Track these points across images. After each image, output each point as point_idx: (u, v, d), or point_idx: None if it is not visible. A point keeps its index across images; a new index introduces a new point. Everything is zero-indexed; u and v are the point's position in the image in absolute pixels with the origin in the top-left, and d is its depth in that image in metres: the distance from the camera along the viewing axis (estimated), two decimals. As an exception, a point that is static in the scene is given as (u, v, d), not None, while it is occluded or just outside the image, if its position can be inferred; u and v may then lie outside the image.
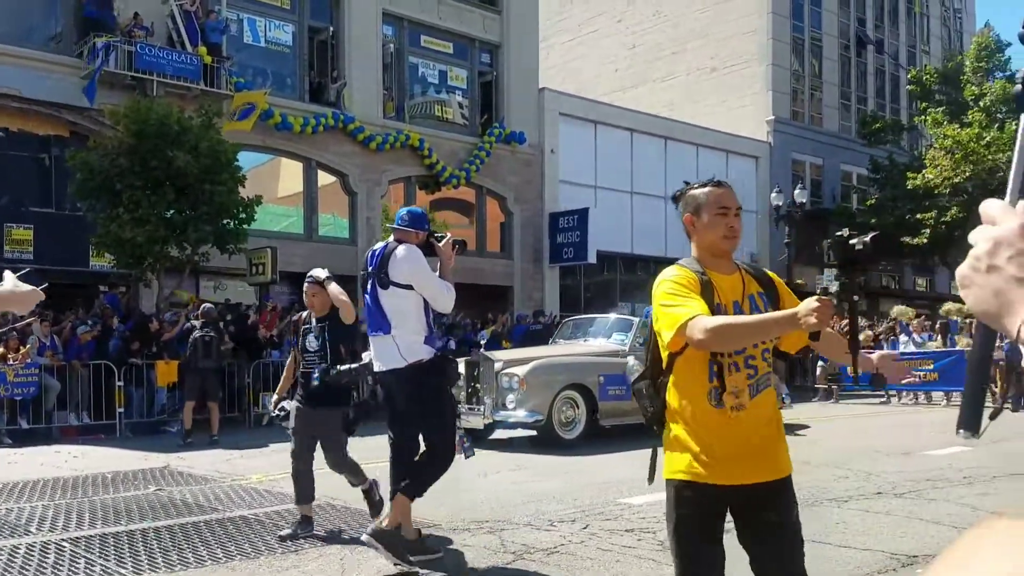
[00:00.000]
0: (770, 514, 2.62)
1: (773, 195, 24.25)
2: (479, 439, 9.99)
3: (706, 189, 2.66)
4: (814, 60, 31.96)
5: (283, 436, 11.13)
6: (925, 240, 27.28)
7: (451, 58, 22.24)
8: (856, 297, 2.47)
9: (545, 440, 9.78)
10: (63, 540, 5.35)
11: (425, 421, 4.77)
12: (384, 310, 4.72)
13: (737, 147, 28.19)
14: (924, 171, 27.13)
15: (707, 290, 2.54)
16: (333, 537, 5.34)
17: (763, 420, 2.60)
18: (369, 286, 4.81)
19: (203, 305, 12.54)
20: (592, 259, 22.50)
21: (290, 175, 19.86)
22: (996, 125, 26.74)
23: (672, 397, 2.62)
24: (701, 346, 2.40)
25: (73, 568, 4.72)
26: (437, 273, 4.84)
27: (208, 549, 5.08)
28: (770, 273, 2.83)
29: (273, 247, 16.58)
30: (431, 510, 6.10)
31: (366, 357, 5.19)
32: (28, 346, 11.86)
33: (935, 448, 9.42)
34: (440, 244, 4.91)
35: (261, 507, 6.40)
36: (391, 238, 4.90)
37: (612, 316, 12.92)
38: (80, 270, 15.40)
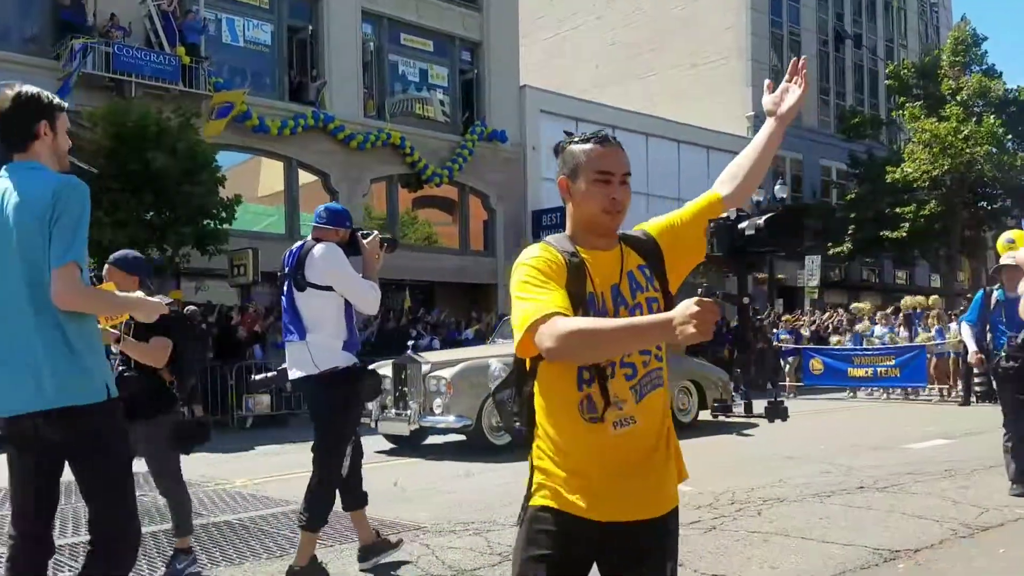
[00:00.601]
0: (646, 567, 2.06)
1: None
2: (406, 446, 9.75)
3: (586, 146, 2.08)
4: (793, 55, 31.77)
5: (268, 439, 11.11)
6: (904, 234, 27.53)
7: (432, 56, 22.21)
8: (746, 299, 2.02)
9: (475, 446, 9.25)
10: (60, 546, 5.30)
11: (320, 434, 4.40)
12: (300, 313, 4.40)
13: (718, 143, 28.29)
14: (903, 165, 27.39)
15: (578, 275, 2.01)
16: (318, 541, 5.33)
17: (650, 433, 2.06)
18: (285, 288, 4.50)
19: (186, 307, 12.46)
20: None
21: (271, 174, 19.78)
22: (973, 119, 27.02)
23: (538, 410, 2.10)
24: (551, 356, 1.91)
25: (56, 577, 4.68)
26: (361, 273, 4.50)
27: (196, 554, 5.05)
28: (653, 228, 2.23)
29: (255, 248, 16.51)
30: (413, 512, 6.10)
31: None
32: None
33: (915, 442, 9.52)
34: (365, 241, 4.56)
35: (246, 512, 6.38)
36: (309, 237, 4.57)
37: None
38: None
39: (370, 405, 8.81)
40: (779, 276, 26.00)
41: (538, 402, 2.10)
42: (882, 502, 6.20)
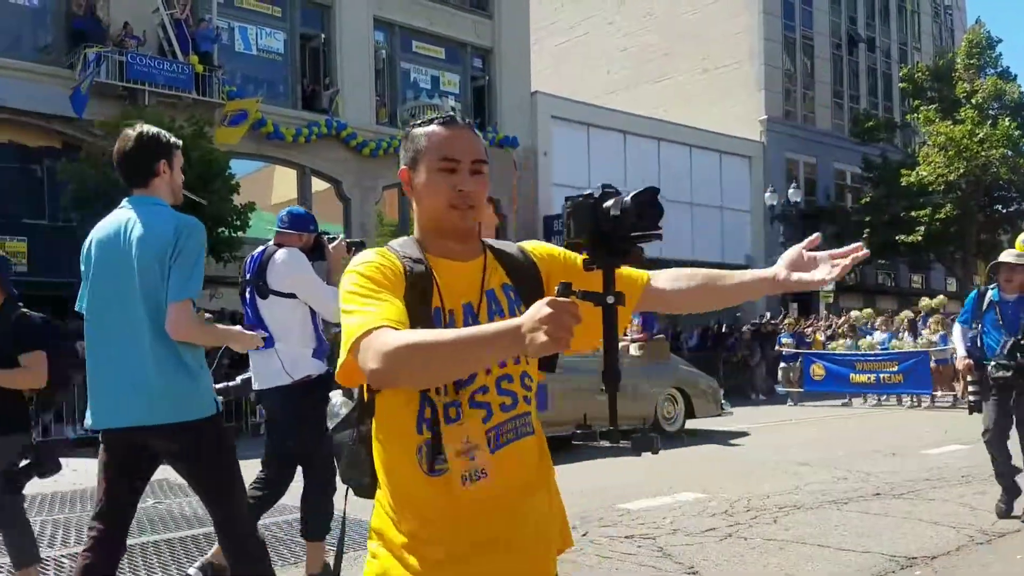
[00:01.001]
0: None
1: (767, 195, 24.31)
2: None
3: (428, 129, 1.71)
4: (806, 59, 32.03)
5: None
6: (920, 237, 27.34)
7: (443, 63, 22.27)
8: (611, 299, 1.54)
9: None
10: (62, 556, 5.33)
11: (304, 443, 4.26)
12: (265, 322, 4.23)
13: (730, 147, 28.23)
14: (917, 168, 27.22)
15: (421, 287, 1.62)
16: (331, 547, 5.33)
17: (513, 494, 1.63)
18: (247, 296, 4.33)
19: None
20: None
21: (284, 182, 19.86)
22: (988, 121, 26.83)
23: (376, 455, 1.71)
24: (376, 381, 1.51)
25: (70, 585, 4.70)
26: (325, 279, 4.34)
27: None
28: (537, 250, 1.85)
29: (268, 255, 16.56)
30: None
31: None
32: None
33: (931, 447, 9.44)
34: (331, 246, 4.40)
35: (260, 519, 6.37)
36: (271, 242, 4.40)
37: None
38: (74, 281, 15.33)
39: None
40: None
41: (375, 446, 1.70)
42: (899, 508, 6.14)
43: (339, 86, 19.79)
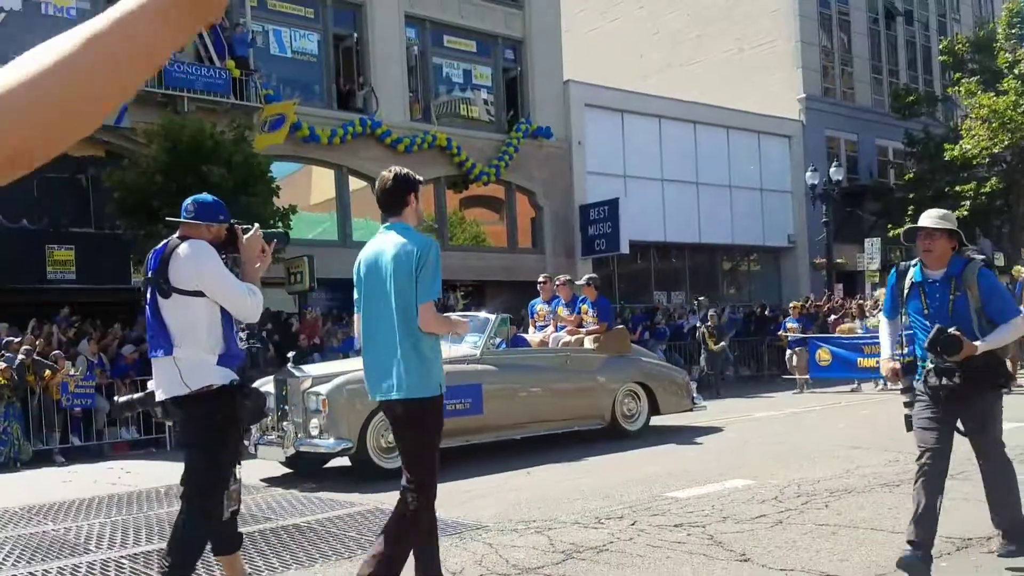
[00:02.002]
0: None
1: (808, 174, 23.93)
2: (289, 471, 8.65)
3: None
4: (843, 35, 31.45)
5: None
6: (966, 212, 26.72)
7: (475, 56, 22.28)
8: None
9: (363, 472, 8.05)
10: (122, 557, 5.48)
11: (193, 465, 3.85)
12: (166, 324, 3.78)
13: (769, 127, 27.85)
14: (960, 142, 26.63)
15: None
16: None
17: None
18: (148, 296, 3.86)
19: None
20: (624, 249, 22.43)
21: (322, 182, 20.06)
22: (1032, 91, 26.14)
23: None
24: None
25: (134, 584, 4.83)
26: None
27: (264, 559, 5.17)
28: None
29: (310, 255, 16.76)
30: (476, 511, 6.14)
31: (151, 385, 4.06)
32: (78, 369, 12.11)
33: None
34: (245, 237, 4.01)
35: (313, 515, 6.50)
36: (175, 235, 3.97)
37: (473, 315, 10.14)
38: (122, 287, 15.70)
39: (254, 428, 7.83)
40: (838, 260, 25.49)
41: None
42: (954, 490, 6.04)
43: (373, 84, 19.91)
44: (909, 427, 4.50)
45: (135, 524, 6.53)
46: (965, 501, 5.68)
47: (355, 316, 4.20)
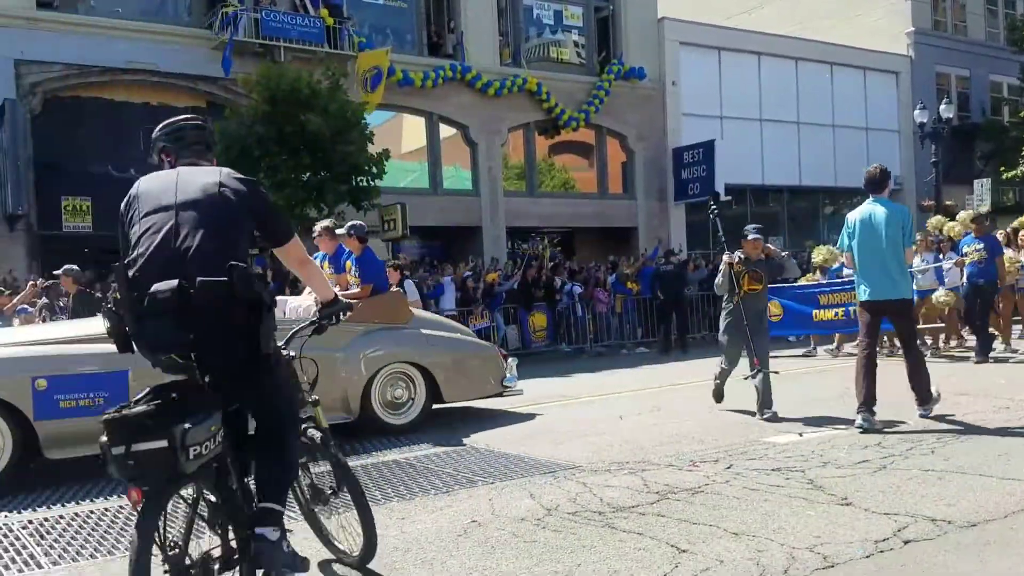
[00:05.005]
0: None
1: (916, 112, 22.73)
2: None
3: None
4: (955, -38, 29.50)
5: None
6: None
7: (565, -4, 21.85)
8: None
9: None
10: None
11: None
12: None
13: (875, 63, 26.54)
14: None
15: None
16: (479, 479, 5.53)
17: None
18: None
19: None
20: (720, 192, 21.89)
21: (412, 130, 20.21)
22: None
23: None
24: None
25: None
26: None
27: (367, 491, 5.36)
28: None
29: (403, 203, 17.01)
30: (569, 452, 6.21)
31: None
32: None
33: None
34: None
35: (412, 451, 6.69)
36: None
37: None
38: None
39: None
40: (948, 203, 24.29)
41: None
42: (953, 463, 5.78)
43: (463, 29, 19.81)
44: None
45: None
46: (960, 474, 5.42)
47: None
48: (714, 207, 8.36)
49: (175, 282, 2.76)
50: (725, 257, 7.75)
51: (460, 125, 19.99)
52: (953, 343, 12.57)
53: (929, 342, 12.29)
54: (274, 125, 14.07)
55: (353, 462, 6.35)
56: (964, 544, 3.74)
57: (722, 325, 7.76)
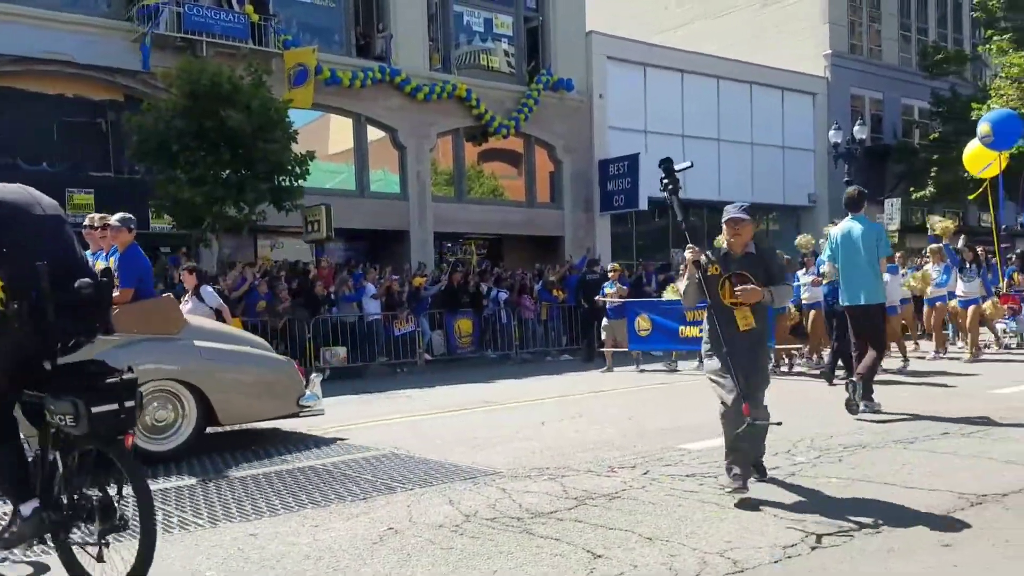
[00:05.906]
0: None
1: (831, 132, 23.56)
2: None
3: None
4: (871, -11, 30.73)
5: (348, 389, 11.41)
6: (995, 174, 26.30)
7: (496, 5, 21.93)
8: None
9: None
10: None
11: None
12: None
13: (793, 84, 27.39)
14: (988, 103, 26.04)
15: None
16: (399, 485, 5.47)
17: None
18: None
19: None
20: (643, 206, 22.29)
21: (340, 131, 19.95)
22: (1067, 51, 25.50)
23: None
24: None
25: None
26: None
27: (280, 498, 5.25)
28: None
29: (327, 204, 16.76)
30: (489, 458, 6.20)
31: None
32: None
33: (1003, 387, 9.24)
34: None
35: (328, 457, 6.58)
36: None
37: None
38: (140, 232, 15.69)
39: None
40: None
41: None
42: (968, 448, 6.04)
43: (392, 31, 19.68)
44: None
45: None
46: (977, 459, 5.68)
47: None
48: (666, 180, 5.53)
49: None
50: (688, 254, 5.08)
51: (389, 128, 19.83)
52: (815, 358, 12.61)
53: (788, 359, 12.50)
54: (193, 120, 13.71)
55: (266, 468, 6.21)
56: (869, 551, 3.87)
57: (705, 347, 5.20)
